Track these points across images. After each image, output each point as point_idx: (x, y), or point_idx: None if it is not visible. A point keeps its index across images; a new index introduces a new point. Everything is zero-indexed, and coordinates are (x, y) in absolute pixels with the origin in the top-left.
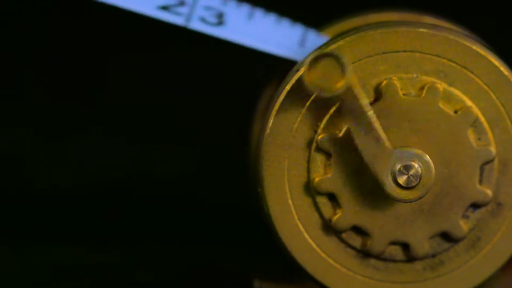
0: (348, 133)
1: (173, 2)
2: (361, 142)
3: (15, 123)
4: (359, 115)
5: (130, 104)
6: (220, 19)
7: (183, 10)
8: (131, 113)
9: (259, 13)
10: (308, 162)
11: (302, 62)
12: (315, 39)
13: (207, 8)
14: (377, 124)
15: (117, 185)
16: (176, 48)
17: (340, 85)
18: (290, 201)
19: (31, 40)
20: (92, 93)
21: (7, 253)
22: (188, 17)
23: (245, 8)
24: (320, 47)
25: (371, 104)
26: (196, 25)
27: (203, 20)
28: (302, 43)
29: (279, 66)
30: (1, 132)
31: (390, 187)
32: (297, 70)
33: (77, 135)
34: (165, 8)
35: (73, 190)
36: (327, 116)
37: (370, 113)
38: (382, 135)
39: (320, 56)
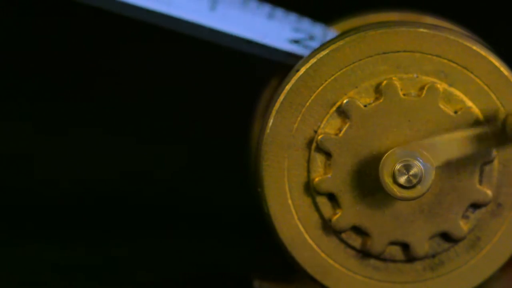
0: (348, 133)
1: (303, 36)
2: None
3: (13, 122)
4: None
5: (129, 105)
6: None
7: (313, 44)
8: (130, 113)
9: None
10: (308, 162)
11: (302, 62)
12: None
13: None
14: None
15: (117, 185)
16: (173, 46)
17: None
18: (290, 201)
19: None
20: (88, 94)
21: (6, 252)
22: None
23: None
24: (321, 47)
25: (371, 104)
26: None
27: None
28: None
29: (279, 67)
30: (0, 132)
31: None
32: (297, 70)
33: (75, 135)
34: (296, 41)
35: (72, 190)
36: (327, 116)
37: None
38: None
39: None
